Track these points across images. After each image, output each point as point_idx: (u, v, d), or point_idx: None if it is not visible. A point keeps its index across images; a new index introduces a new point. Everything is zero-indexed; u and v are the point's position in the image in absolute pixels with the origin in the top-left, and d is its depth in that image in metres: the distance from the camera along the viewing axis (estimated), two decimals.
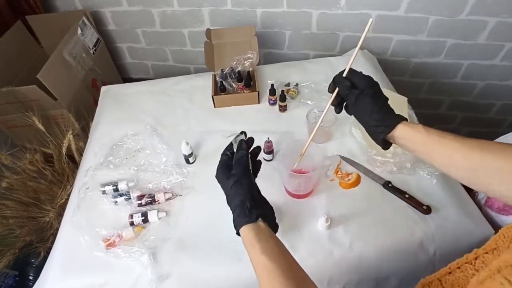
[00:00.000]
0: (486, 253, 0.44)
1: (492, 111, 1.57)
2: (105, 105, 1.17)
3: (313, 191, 0.84)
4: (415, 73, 1.47)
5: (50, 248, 0.84)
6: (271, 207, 0.59)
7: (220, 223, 0.80)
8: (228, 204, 0.58)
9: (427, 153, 0.53)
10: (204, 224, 0.82)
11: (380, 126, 0.56)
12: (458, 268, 0.47)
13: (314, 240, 0.76)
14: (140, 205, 0.85)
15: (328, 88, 0.63)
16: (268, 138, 0.89)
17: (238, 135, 0.65)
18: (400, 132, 0.54)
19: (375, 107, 0.56)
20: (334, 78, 0.61)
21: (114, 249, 0.77)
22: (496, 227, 0.77)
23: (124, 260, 0.75)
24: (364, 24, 0.55)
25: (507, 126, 1.61)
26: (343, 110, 0.64)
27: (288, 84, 1.14)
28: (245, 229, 0.52)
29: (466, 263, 0.45)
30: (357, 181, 0.85)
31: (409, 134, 0.54)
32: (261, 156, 0.92)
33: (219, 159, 0.63)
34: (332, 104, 0.63)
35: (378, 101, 0.57)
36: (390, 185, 0.83)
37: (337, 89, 0.61)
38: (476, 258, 0.45)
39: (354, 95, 0.58)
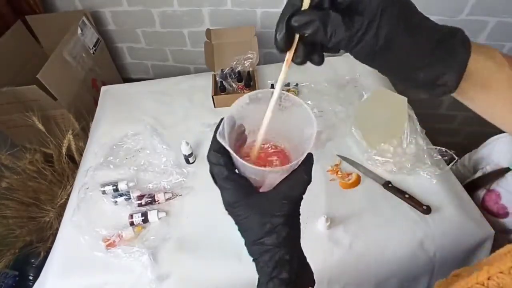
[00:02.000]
0: (501, 272, 0.35)
1: None
2: (105, 105, 1.17)
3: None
4: None
5: (50, 248, 0.84)
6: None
7: (220, 223, 0.80)
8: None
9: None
10: (204, 224, 0.82)
11: (440, 75, 0.32)
12: None
13: (314, 240, 0.75)
14: (140, 205, 0.85)
15: (277, 45, 0.32)
16: None
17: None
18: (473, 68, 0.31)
19: (419, 39, 0.29)
20: (287, 22, 0.30)
21: (114, 249, 0.77)
22: (496, 227, 0.77)
23: (124, 260, 0.75)
24: None
25: None
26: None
27: (288, 84, 1.14)
28: None
29: (477, 283, 0.37)
30: (357, 181, 0.85)
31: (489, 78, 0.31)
32: None
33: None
34: (293, 61, 0.35)
35: (415, 27, 0.30)
36: (390, 185, 0.83)
37: (296, 37, 0.32)
38: (488, 278, 0.37)
39: (357, 35, 0.28)
